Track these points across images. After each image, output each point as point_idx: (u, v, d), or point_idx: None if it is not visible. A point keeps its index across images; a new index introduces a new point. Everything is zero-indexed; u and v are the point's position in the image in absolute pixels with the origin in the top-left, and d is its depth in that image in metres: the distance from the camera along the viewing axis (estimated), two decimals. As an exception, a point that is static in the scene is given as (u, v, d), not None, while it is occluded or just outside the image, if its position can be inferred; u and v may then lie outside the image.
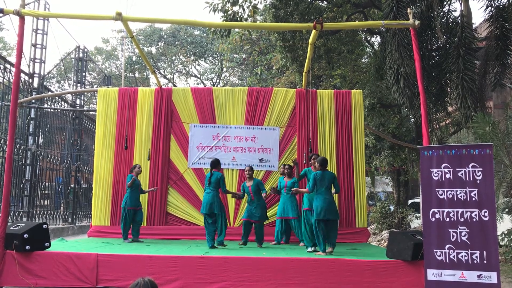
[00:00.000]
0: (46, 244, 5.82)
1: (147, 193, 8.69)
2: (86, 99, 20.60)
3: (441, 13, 9.16)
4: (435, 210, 4.99)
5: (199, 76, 32.01)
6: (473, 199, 4.87)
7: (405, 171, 14.72)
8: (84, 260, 5.55)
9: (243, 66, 28.45)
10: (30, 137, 12.78)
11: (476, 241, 4.77)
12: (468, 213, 4.86)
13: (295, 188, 7.15)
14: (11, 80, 10.66)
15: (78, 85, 16.25)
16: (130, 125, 9.22)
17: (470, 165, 4.94)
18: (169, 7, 58.27)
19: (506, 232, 8.91)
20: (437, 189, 5.03)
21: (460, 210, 4.90)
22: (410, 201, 16.07)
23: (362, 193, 9.11)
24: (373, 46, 16.22)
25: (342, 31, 13.07)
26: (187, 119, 9.45)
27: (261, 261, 5.61)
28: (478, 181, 4.88)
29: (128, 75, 29.16)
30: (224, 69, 30.87)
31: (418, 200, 15.02)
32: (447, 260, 4.84)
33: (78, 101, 16.24)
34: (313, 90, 9.57)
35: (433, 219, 4.98)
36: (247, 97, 9.43)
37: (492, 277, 4.66)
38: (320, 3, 13.76)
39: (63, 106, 14.92)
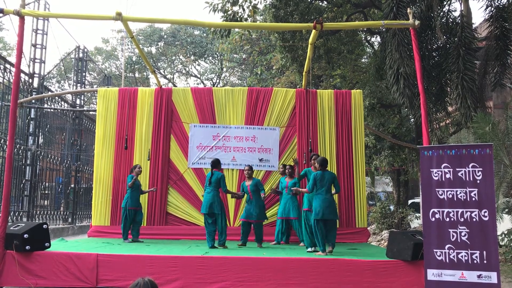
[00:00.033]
0: (46, 244, 5.82)
1: (147, 193, 8.71)
2: (86, 99, 20.59)
3: (441, 13, 9.16)
4: (435, 210, 5.00)
5: (199, 76, 32.01)
6: (473, 199, 4.87)
7: (405, 171, 14.72)
8: (84, 260, 5.55)
9: (243, 66, 28.44)
10: (30, 137, 12.78)
11: (476, 241, 4.78)
12: (468, 213, 4.86)
13: (295, 188, 7.16)
14: (11, 80, 10.66)
15: (78, 85, 16.25)
16: (130, 125, 9.22)
17: (470, 165, 4.94)
18: (169, 7, 58.33)
19: (506, 232, 8.91)
20: (437, 189, 5.03)
21: (460, 210, 4.90)
22: (410, 201, 16.07)
23: (362, 193, 9.11)
24: (373, 46, 16.22)
25: (342, 31, 13.07)
26: (187, 119, 9.45)
27: (261, 261, 5.61)
28: (478, 181, 4.88)
29: (128, 75, 29.15)
30: (224, 69, 30.86)
31: (418, 200, 15.01)
32: (447, 260, 4.84)
33: (78, 101, 16.25)
34: (313, 90, 9.57)
35: (433, 219, 4.99)
36: (247, 97, 9.43)
37: (492, 277, 4.66)
38: (320, 3, 13.76)
39: (63, 106, 14.92)
